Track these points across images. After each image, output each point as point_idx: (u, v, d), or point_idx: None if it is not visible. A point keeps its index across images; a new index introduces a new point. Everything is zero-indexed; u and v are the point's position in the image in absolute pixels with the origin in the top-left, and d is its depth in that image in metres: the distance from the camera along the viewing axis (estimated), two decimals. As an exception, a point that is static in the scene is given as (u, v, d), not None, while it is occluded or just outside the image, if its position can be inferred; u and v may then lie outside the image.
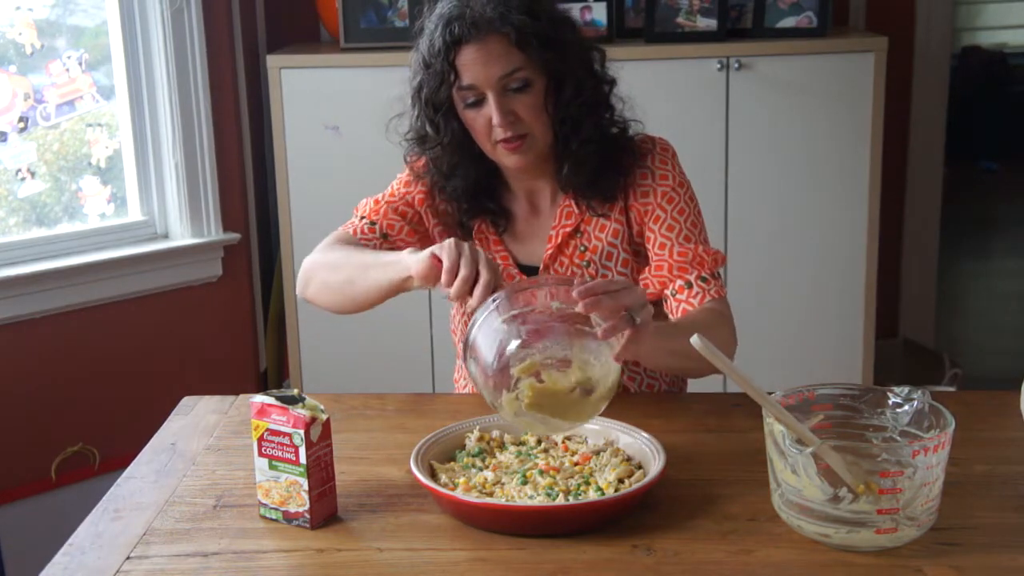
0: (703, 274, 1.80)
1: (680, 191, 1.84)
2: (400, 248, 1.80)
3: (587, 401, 1.47)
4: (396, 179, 1.93)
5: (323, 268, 1.81)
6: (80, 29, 3.04)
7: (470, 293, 1.52)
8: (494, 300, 1.49)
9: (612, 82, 1.84)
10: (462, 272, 1.52)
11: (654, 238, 1.83)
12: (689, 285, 1.79)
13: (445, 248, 1.56)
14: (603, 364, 1.46)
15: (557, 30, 1.76)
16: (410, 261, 1.62)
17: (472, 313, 1.53)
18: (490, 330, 1.47)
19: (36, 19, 2.94)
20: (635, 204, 1.84)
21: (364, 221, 1.88)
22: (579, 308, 1.44)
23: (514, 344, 1.44)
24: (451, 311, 2.00)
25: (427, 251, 1.59)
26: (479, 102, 1.75)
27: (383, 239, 1.87)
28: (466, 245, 1.56)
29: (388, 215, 1.88)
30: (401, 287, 1.67)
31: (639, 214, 1.84)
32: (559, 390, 1.44)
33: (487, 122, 1.75)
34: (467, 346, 1.50)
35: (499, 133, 1.74)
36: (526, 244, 1.89)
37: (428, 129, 1.80)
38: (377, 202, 1.90)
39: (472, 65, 1.72)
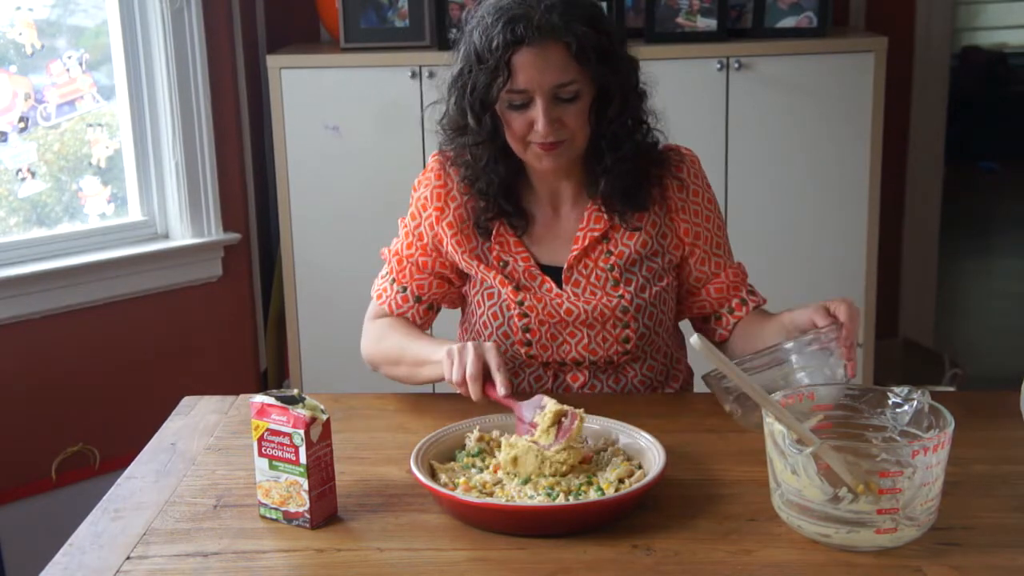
0: (749, 286, 1.91)
1: (712, 206, 1.89)
2: (435, 302, 1.93)
3: None
4: (408, 211, 1.91)
5: (384, 362, 1.90)
6: (80, 29, 3.04)
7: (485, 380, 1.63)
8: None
9: (645, 95, 1.83)
10: (464, 373, 1.63)
11: (704, 257, 1.88)
12: (743, 301, 1.88)
13: (445, 365, 1.66)
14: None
15: (614, 45, 1.75)
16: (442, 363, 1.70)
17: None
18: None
19: (36, 19, 2.93)
20: (671, 216, 1.85)
21: (396, 288, 1.92)
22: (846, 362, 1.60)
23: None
24: (457, 315, 2.00)
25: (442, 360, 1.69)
26: (525, 104, 1.72)
27: (418, 302, 1.91)
28: (455, 351, 1.66)
29: (414, 275, 1.91)
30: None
31: (676, 228, 1.85)
32: None
33: (527, 124, 1.73)
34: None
35: (538, 137, 1.73)
36: (547, 245, 1.87)
37: (470, 120, 1.76)
38: (400, 261, 1.91)
39: (528, 68, 1.69)
